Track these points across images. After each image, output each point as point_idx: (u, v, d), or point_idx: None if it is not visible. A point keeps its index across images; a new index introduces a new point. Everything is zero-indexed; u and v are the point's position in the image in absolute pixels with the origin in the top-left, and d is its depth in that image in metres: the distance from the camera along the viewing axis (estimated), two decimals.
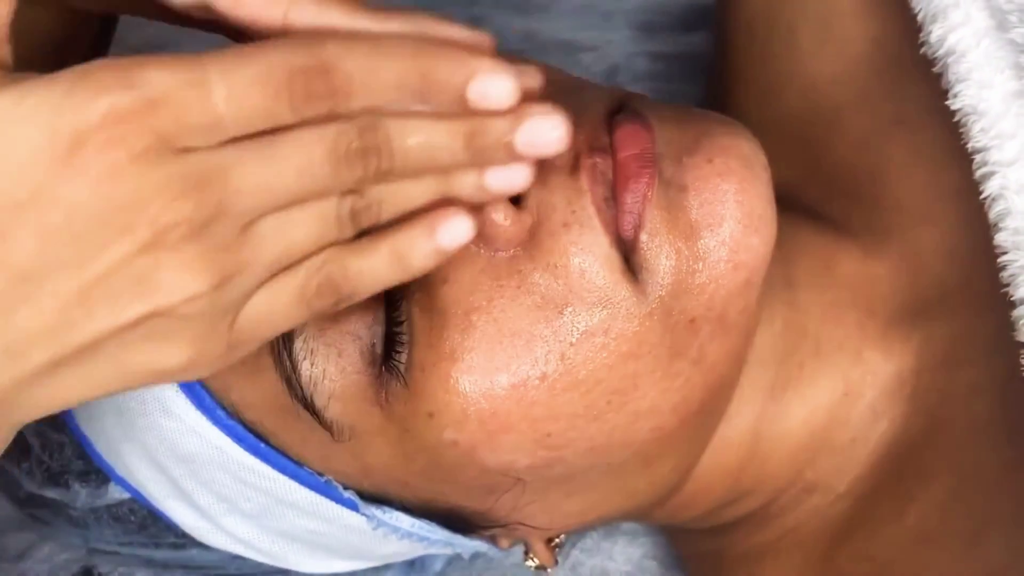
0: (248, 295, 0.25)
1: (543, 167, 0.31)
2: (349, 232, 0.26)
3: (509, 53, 0.30)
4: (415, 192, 0.26)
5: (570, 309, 0.31)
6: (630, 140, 0.32)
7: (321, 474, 0.35)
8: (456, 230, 0.27)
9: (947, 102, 0.35)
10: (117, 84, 0.22)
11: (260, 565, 0.42)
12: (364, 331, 0.32)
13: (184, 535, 0.40)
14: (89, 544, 0.45)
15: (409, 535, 0.37)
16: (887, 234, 0.40)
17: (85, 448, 0.39)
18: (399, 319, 0.32)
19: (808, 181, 0.43)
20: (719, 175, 0.31)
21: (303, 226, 0.25)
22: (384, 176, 0.26)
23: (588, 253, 0.31)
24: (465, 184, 0.26)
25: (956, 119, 0.35)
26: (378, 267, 0.27)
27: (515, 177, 0.26)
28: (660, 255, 0.31)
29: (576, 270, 0.31)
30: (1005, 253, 0.33)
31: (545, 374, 0.31)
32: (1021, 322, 0.32)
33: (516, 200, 0.31)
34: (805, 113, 0.44)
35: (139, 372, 0.25)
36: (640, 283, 0.31)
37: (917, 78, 0.38)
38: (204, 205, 0.23)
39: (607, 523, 0.42)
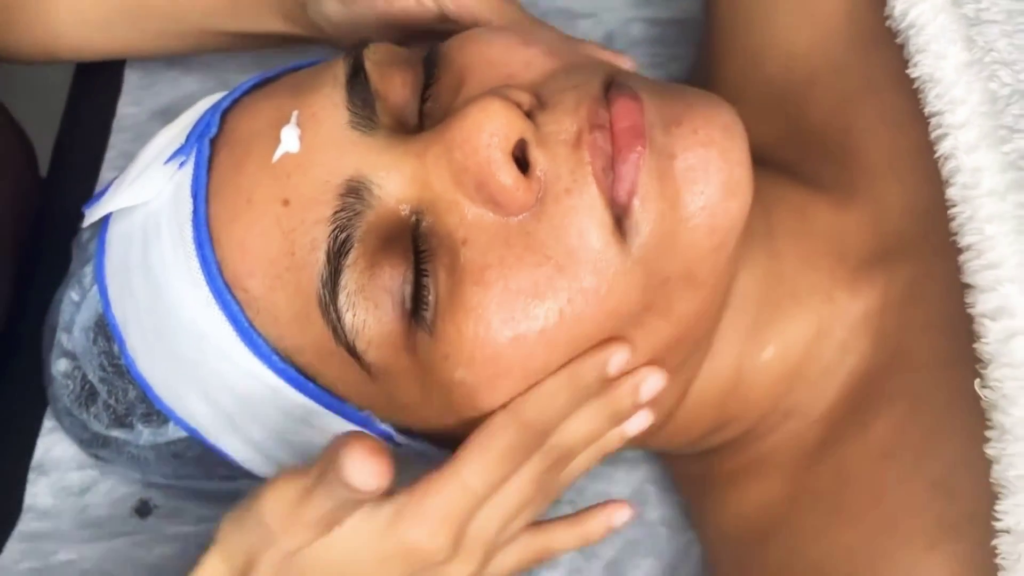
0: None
1: (550, 141, 0.35)
2: (549, 484, 0.39)
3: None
4: (583, 461, 0.41)
5: (569, 268, 0.35)
6: (625, 113, 0.35)
7: (361, 409, 0.40)
8: (637, 423, 0.40)
9: (908, 70, 0.40)
10: (422, 512, 0.36)
11: None
12: (396, 287, 0.36)
13: (235, 468, 0.45)
14: (147, 479, 0.50)
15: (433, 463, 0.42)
16: (856, 189, 0.44)
17: (147, 393, 0.43)
18: (425, 275, 0.36)
19: (786, 141, 0.47)
20: (703, 144, 0.35)
21: (513, 500, 0.38)
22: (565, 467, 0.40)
23: (586, 216, 0.35)
24: (611, 440, 0.40)
25: (915, 86, 0.39)
26: (579, 465, 0.41)
27: (642, 421, 0.40)
28: (647, 218, 0.35)
29: (575, 231, 0.35)
30: (955, 206, 0.37)
31: (543, 328, 0.35)
32: (966, 265, 0.36)
33: (525, 170, 0.35)
34: (783, 79, 0.47)
35: None
36: (627, 245, 0.35)
37: (883, 48, 0.41)
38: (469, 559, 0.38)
39: None
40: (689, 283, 0.36)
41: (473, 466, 0.36)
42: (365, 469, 0.32)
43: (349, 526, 0.35)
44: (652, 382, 0.38)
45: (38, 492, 0.54)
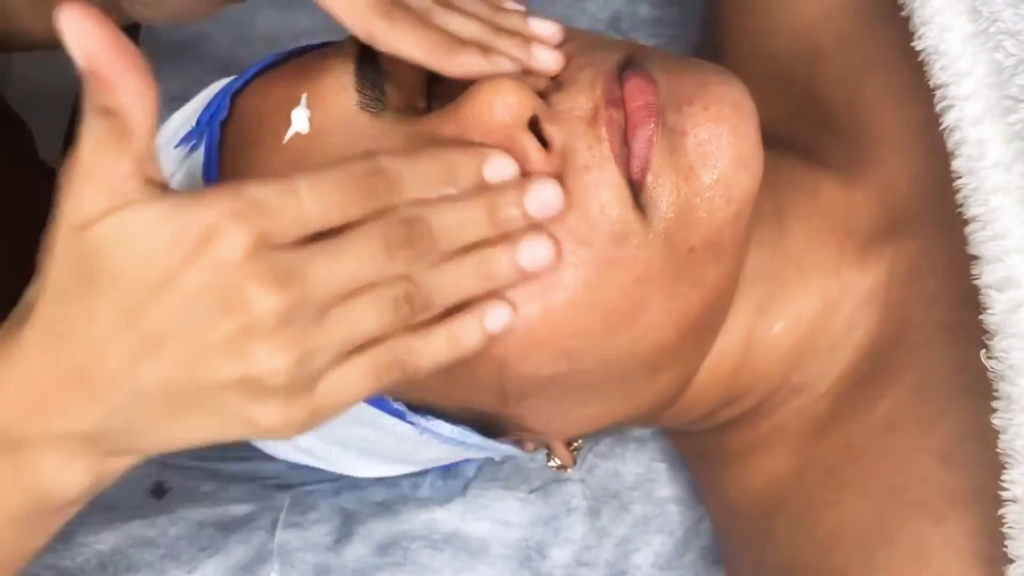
0: (324, 371, 0.31)
1: (564, 118, 0.36)
2: (407, 315, 0.32)
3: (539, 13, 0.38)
4: (460, 277, 0.33)
5: (591, 241, 0.35)
6: (638, 93, 0.35)
7: None
8: (500, 315, 0.35)
9: (913, 43, 0.39)
10: (228, 196, 0.29)
11: (315, 471, 0.47)
12: None
13: (252, 449, 0.45)
14: (164, 460, 0.51)
15: (449, 440, 0.42)
16: (863, 164, 0.44)
17: None
18: None
19: (793, 117, 0.47)
20: (714, 121, 0.35)
21: (368, 311, 0.31)
22: (430, 261, 0.32)
23: (606, 191, 0.35)
24: (501, 265, 0.34)
25: (921, 58, 0.39)
26: (437, 348, 0.33)
27: (540, 253, 0.34)
28: (664, 193, 0.35)
29: (596, 206, 0.35)
30: (960, 177, 0.37)
31: (571, 299, 0.35)
32: (972, 236, 0.36)
33: (545, 145, 0.35)
34: (791, 55, 0.48)
35: (236, 426, 0.32)
36: (647, 218, 0.35)
37: (888, 22, 0.41)
38: (289, 297, 0.29)
39: (620, 426, 0.47)
40: (714, 251, 0.37)
41: (306, 175, 0.30)
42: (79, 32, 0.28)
43: (132, 205, 0.29)
44: (547, 192, 0.34)
45: None
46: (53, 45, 0.40)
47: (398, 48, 0.35)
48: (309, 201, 0.30)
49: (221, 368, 0.30)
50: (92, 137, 0.29)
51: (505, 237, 0.34)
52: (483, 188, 0.34)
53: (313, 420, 0.32)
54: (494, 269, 0.34)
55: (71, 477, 0.32)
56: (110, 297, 0.29)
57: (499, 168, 0.34)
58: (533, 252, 0.34)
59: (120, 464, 0.33)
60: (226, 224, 0.29)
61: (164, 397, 0.30)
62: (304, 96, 0.38)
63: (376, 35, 0.34)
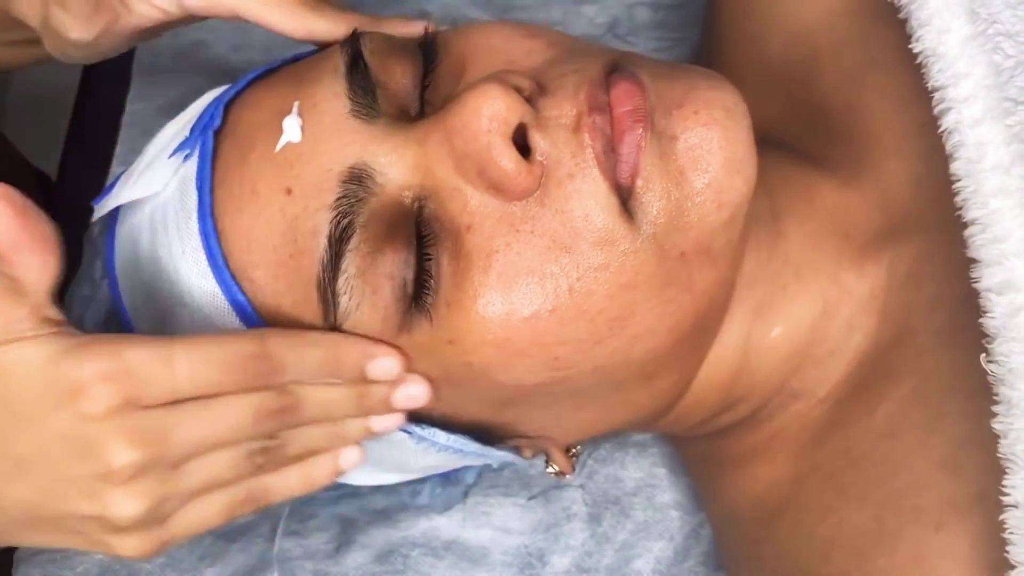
0: (177, 509, 0.34)
1: (551, 125, 0.35)
2: (262, 465, 0.36)
3: None
4: (317, 436, 0.37)
5: (576, 249, 0.35)
6: (625, 97, 0.35)
7: None
8: (351, 456, 0.38)
9: (911, 45, 0.39)
10: (106, 356, 0.32)
11: None
12: (398, 272, 0.36)
13: None
14: None
15: (445, 448, 0.42)
16: (860, 166, 0.44)
17: None
18: (428, 260, 0.36)
19: (790, 120, 0.47)
20: (704, 125, 0.35)
21: (225, 463, 0.34)
22: (292, 425, 0.36)
23: (590, 199, 0.35)
24: (353, 428, 0.38)
25: (918, 61, 0.39)
26: (290, 484, 0.37)
27: (389, 423, 0.38)
28: (653, 198, 0.35)
29: (580, 214, 0.35)
30: (959, 180, 0.37)
31: (555, 306, 0.35)
32: (972, 239, 0.36)
33: (526, 155, 0.35)
34: (787, 58, 0.47)
35: (93, 547, 0.35)
36: (636, 223, 0.35)
37: (886, 24, 0.41)
38: (147, 453, 0.32)
39: (617, 432, 0.47)
40: (706, 257, 0.37)
41: (186, 347, 0.33)
42: None
43: (20, 341, 0.32)
44: (414, 390, 0.37)
45: None
46: (20, 68, 0.43)
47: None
48: (184, 373, 0.33)
49: (78, 504, 0.33)
50: None
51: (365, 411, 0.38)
52: (361, 379, 0.37)
53: (164, 548, 0.35)
54: (348, 432, 0.38)
55: None
56: None
57: (383, 370, 0.37)
58: (383, 423, 0.38)
59: None
60: (96, 383, 0.31)
61: (26, 514, 0.34)
62: (296, 104, 0.38)
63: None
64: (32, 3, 0.43)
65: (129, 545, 0.34)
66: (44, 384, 0.32)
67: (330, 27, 0.41)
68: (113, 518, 0.33)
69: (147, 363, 0.32)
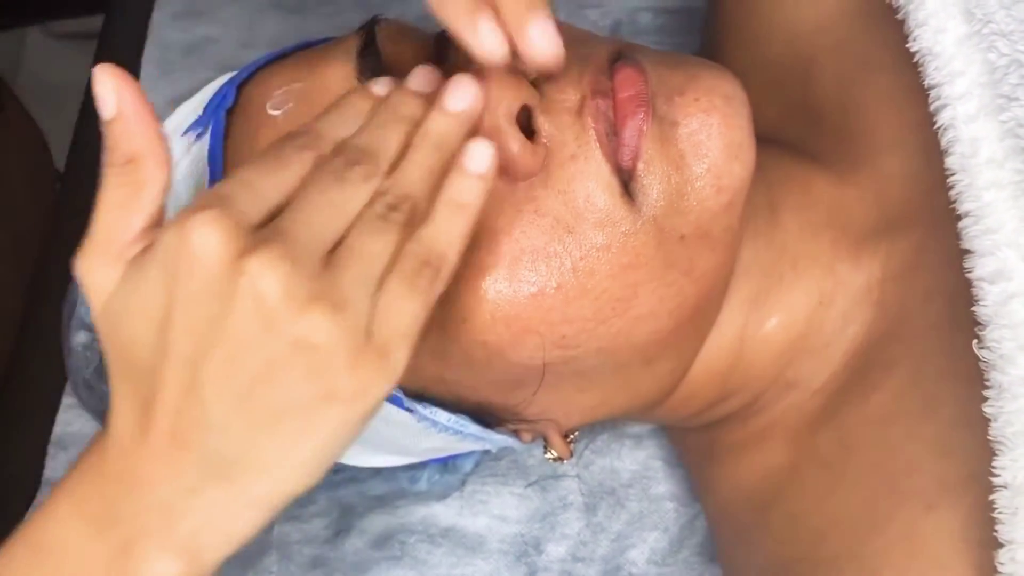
0: (366, 310, 0.30)
1: (555, 109, 0.36)
2: (403, 219, 0.31)
3: None
4: (425, 163, 0.32)
5: (578, 229, 0.36)
6: (628, 83, 0.36)
7: None
8: (481, 154, 0.33)
9: (908, 45, 0.40)
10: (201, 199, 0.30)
11: None
12: None
13: None
14: None
15: (446, 429, 0.42)
16: (858, 162, 0.45)
17: None
18: None
19: (790, 118, 0.48)
20: (704, 111, 0.36)
21: (365, 237, 0.30)
22: (385, 171, 0.32)
23: (592, 180, 0.36)
24: (448, 133, 0.33)
25: (915, 60, 0.40)
26: (447, 225, 0.32)
27: (470, 101, 0.34)
28: (654, 181, 0.36)
29: (582, 195, 0.36)
30: (954, 174, 0.38)
31: (560, 284, 0.36)
32: (965, 231, 0.37)
33: (531, 136, 0.36)
34: (786, 61, 0.48)
35: (320, 411, 0.30)
36: (636, 205, 0.36)
37: (884, 24, 0.42)
38: (279, 258, 0.28)
39: (615, 418, 0.48)
40: (706, 241, 0.37)
41: (248, 165, 0.31)
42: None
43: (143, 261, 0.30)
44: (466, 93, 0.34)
45: (57, 467, 0.55)
46: None
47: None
48: (255, 175, 0.30)
49: (271, 352, 0.29)
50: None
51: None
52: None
53: (387, 360, 0.30)
54: (442, 138, 0.33)
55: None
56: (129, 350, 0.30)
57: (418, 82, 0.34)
58: (461, 98, 0.34)
59: (214, 556, 0.31)
60: (194, 224, 0.29)
61: (239, 410, 0.29)
62: (277, 93, 0.39)
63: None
64: None
65: (350, 377, 0.29)
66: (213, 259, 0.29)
67: None
68: (308, 339, 0.28)
69: (226, 186, 0.30)
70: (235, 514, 0.31)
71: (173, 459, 0.30)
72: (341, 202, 0.31)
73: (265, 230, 0.29)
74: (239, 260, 0.28)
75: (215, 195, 0.30)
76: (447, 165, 0.33)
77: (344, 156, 0.32)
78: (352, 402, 0.30)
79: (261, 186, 0.30)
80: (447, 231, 0.32)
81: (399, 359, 0.30)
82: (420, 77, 0.35)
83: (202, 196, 0.30)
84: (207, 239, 0.28)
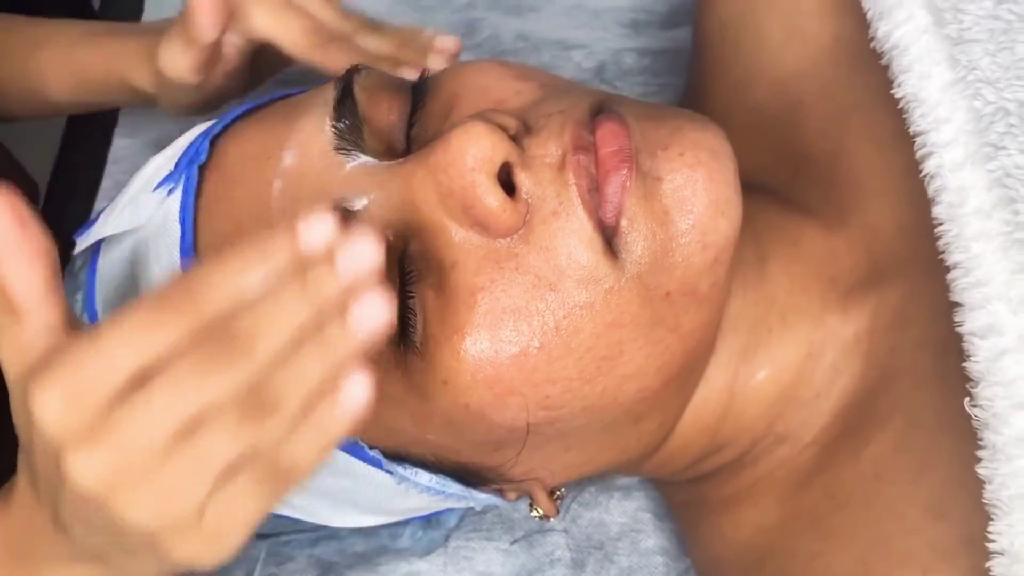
0: (199, 502, 0.28)
1: (536, 164, 0.36)
2: (259, 414, 0.28)
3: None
4: (304, 364, 0.28)
5: (560, 286, 0.35)
6: (610, 137, 0.35)
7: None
8: (355, 386, 0.28)
9: (892, 91, 0.40)
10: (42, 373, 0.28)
11: (292, 520, 0.46)
12: None
13: None
14: None
15: (428, 489, 0.41)
16: (845, 211, 0.44)
17: None
18: (411, 297, 0.36)
19: (775, 165, 0.47)
20: (689, 166, 0.35)
21: (217, 434, 0.27)
22: (262, 361, 0.28)
23: (574, 237, 0.35)
24: (337, 339, 0.28)
25: (900, 106, 0.39)
26: (310, 443, 0.29)
27: (375, 313, 0.28)
28: (638, 238, 0.35)
29: (564, 252, 0.35)
30: (942, 224, 0.37)
31: (543, 344, 0.35)
32: (954, 283, 0.36)
33: (511, 193, 0.35)
34: (772, 103, 0.48)
35: (161, 562, 0.30)
36: (620, 262, 0.35)
37: (869, 70, 0.42)
38: (107, 467, 0.27)
39: (603, 475, 0.46)
40: (692, 297, 0.36)
41: (107, 325, 0.27)
42: None
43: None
44: (374, 305, 0.28)
45: None
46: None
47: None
48: (115, 349, 0.27)
49: (108, 531, 0.29)
50: None
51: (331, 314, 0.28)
52: (296, 270, 0.28)
53: (217, 543, 0.29)
54: (333, 347, 0.28)
55: None
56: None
57: (317, 231, 0.28)
58: (367, 312, 0.28)
59: None
60: (35, 394, 0.28)
61: (92, 535, 0.31)
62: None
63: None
64: (143, 72, 0.53)
65: (183, 551, 0.29)
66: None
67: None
68: (129, 527, 0.28)
69: (81, 354, 0.27)
70: None
71: (56, 534, 0.32)
72: (199, 398, 0.27)
73: (107, 420, 0.27)
74: (66, 451, 0.28)
75: (69, 358, 0.27)
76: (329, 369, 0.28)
77: (215, 339, 0.27)
78: (174, 568, 0.31)
79: (119, 355, 0.27)
80: (309, 449, 0.29)
81: (232, 543, 0.30)
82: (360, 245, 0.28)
83: (58, 352, 0.28)
84: (46, 413, 0.28)
